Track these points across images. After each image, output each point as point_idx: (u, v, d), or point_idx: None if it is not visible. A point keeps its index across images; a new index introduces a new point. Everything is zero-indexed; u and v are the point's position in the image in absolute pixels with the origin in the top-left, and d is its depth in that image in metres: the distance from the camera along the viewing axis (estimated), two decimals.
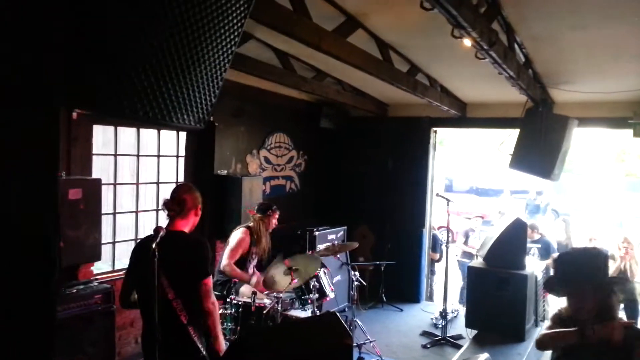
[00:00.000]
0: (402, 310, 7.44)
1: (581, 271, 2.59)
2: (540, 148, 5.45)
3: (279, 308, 4.48)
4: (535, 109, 5.83)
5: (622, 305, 6.43)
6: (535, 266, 5.80)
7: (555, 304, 7.54)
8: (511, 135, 6.06)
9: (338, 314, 2.89)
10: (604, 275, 2.66)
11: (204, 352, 2.96)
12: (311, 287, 4.75)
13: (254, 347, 2.37)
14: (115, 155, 5.44)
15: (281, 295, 4.61)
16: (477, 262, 5.80)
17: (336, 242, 6.75)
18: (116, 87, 1.41)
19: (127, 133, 5.61)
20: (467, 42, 3.68)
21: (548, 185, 17.37)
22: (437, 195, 7.19)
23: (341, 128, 8.00)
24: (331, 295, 5.05)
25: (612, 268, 6.48)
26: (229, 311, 4.42)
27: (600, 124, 6.70)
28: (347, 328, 2.75)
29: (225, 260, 4.89)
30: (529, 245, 7.05)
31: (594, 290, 2.56)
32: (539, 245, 7.21)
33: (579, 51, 4.69)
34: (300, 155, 7.88)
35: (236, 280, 4.82)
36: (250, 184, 6.26)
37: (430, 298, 8.26)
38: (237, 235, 5.01)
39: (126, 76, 1.41)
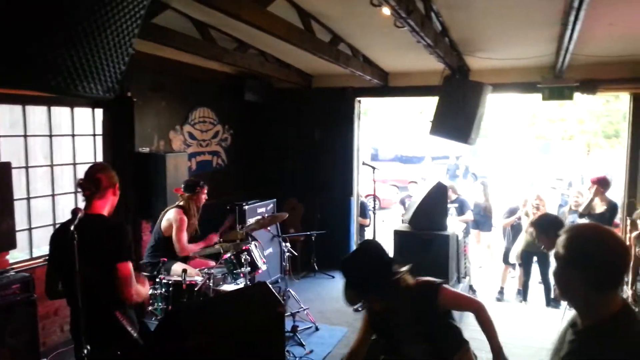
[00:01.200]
0: (334, 277, 7.62)
1: (364, 275, 2.59)
2: (457, 114, 5.68)
3: (211, 284, 4.44)
4: (453, 76, 6.05)
5: (535, 259, 6.97)
6: (455, 226, 6.09)
7: (475, 260, 8.08)
8: (431, 102, 6.27)
9: (270, 284, 2.91)
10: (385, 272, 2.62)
11: (136, 335, 2.88)
12: (242, 260, 4.75)
13: (184, 323, 2.34)
14: (25, 136, 5.08)
15: (212, 271, 4.58)
16: (403, 225, 6.01)
17: (266, 215, 6.75)
18: (20, 57, 1.31)
19: (36, 112, 5.25)
20: (386, 10, 3.73)
21: (466, 150, 18.24)
22: (364, 163, 7.33)
23: (266, 100, 7.91)
24: (263, 267, 5.07)
25: (527, 224, 6.96)
26: (159, 291, 4.34)
27: (513, 89, 7.06)
28: (278, 296, 2.78)
29: (183, 244, 4.88)
30: (448, 205, 7.42)
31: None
32: (456, 205, 7.60)
33: (491, 18, 4.87)
34: (226, 130, 7.74)
35: (165, 259, 4.71)
36: (175, 161, 6.08)
37: None
38: (176, 216, 4.93)
39: (29, 45, 1.31)
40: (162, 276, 4.43)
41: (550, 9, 4.26)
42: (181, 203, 5.03)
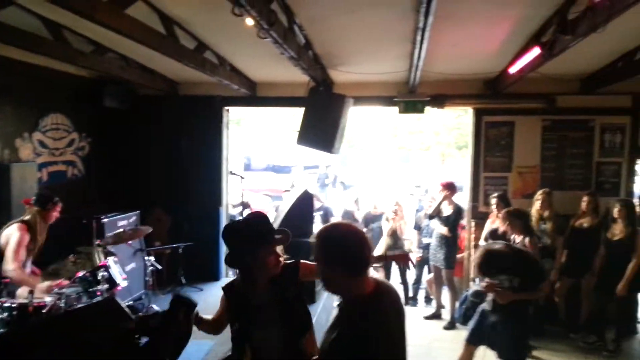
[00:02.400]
0: (202, 289, 7.44)
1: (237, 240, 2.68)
2: (321, 125, 5.90)
3: (63, 305, 4.09)
4: (317, 88, 6.27)
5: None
6: None
7: None
8: (298, 113, 6.43)
9: (133, 301, 2.75)
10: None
11: None
12: (99, 277, 4.44)
13: (19, 346, 2.12)
14: None
15: (64, 290, 4.21)
16: None
17: (128, 228, 6.39)
18: None
19: None
20: (249, 20, 3.77)
21: (335, 159, 18.93)
22: (231, 173, 7.28)
23: (129, 107, 7.51)
24: (123, 284, 4.79)
25: (387, 228, 7.42)
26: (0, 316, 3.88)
27: (373, 102, 7.49)
28: (128, 312, 2.64)
29: (10, 264, 4.30)
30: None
31: None
32: (321, 212, 7.88)
33: (350, 34, 5.12)
34: (83, 138, 7.21)
35: (8, 280, 4.24)
36: (22, 172, 5.54)
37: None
38: (15, 233, 4.42)
39: None
40: (2, 300, 3.97)
41: (401, 28, 4.60)
42: (27, 217, 4.57)
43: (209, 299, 7.16)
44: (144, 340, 2.48)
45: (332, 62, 6.18)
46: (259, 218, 2.79)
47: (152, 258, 6.14)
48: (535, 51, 4.71)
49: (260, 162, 20.30)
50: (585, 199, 6.09)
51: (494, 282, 4.39)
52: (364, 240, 2.09)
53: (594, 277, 5.95)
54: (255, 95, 7.63)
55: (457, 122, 20.70)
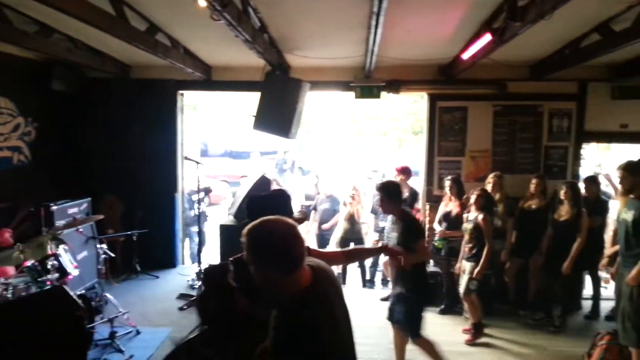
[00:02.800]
0: (158, 277, 7.33)
1: None
2: (278, 109, 5.86)
3: (10, 295, 3.95)
4: (273, 72, 6.22)
5: (352, 245, 7.49)
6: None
7: None
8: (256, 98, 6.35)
9: (85, 289, 2.68)
10: None
11: None
12: (49, 267, 4.30)
13: None
14: None
15: (11, 280, 4.07)
16: (229, 219, 6.01)
17: (79, 215, 6.21)
18: None
19: None
20: (202, 2, 3.69)
21: (293, 145, 18.89)
22: (186, 158, 7.16)
23: (78, 91, 7.25)
24: (74, 272, 4.66)
25: (345, 213, 7.48)
26: None
27: (330, 87, 7.49)
28: (76, 300, 2.58)
29: None
30: None
31: None
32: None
33: (306, 18, 5.09)
34: (29, 122, 6.90)
35: None
36: None
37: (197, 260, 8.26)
38: None
39: None
40: None
41: (356, 12, 4.61)
42: None
43: (164, 286, 7.09)
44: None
45: (288, 46, 6.13)
46: (283, 194, 2.83)
47: (104, 246, 5.98)
48: (487, 37, 4.81)
49: (218, 148, 20.04)
50: (533, 181, 6.31)
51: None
52: (294, 235, 1.94)
53: (542, 256, 6.19)
54: (210, 79, 7.50)
55: (414, 107, 20.96)
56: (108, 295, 5.49)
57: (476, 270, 5.50)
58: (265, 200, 2.76)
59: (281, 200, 2.70)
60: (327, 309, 2.01)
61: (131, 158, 7.60)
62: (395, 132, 22.98)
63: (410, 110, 21.65)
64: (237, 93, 8.28)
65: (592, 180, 6.50)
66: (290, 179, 15.83)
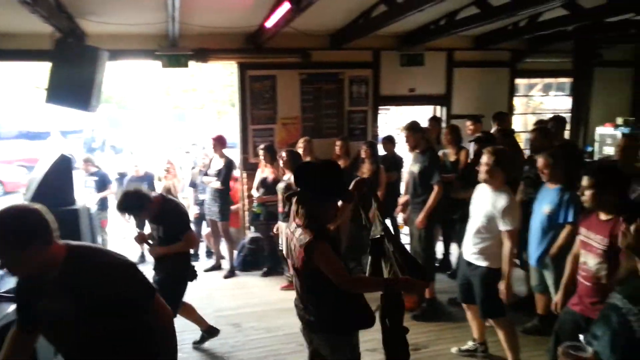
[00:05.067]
0: None
1: None
2: (74, 80, 5.36)
3: None
4: (65, 40, 5.64)
5: None
6: (87, 199, 5.85)
7: (115, 233, 7.96)
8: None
9: None
10: None
11: None
12: None
13: None
14: None
15: None
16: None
17: None
18: None
19: None
20: None
21: (104, 122, 17.52)
22: None
23: None
24: None
25: (160, 187, 7.24)
26: None
27: (133, 56, 7.05)
28: None
29: None
30: (86, 178, 7.06)
31: None
32: (96, 178, 7.30)
33: None
34: None
35: None
36: None
37: None
38: None
39: None
40: None
41: None
42: None
43: None
44: None
45: (79, 11, 5.60)
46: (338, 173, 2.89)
47: None
48: (286, 6, 4.97)
49: (11, 129, 17.65)
50: (338, 143, 6.81)
51: (143, 233, 4.62)
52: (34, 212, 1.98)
53: (350, 211, 6.75)
54: None
55: (231, 79, 20.88)
56: None
57: None
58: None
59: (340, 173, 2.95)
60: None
61: None
62: (213, 105, 22.69)
63: (227, 82, 21.52)
64: (24, 63, 7.34)
65: (389, 140, 7.26)
66: (101, 159, 14.70)
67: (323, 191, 2.72)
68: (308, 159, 6.63)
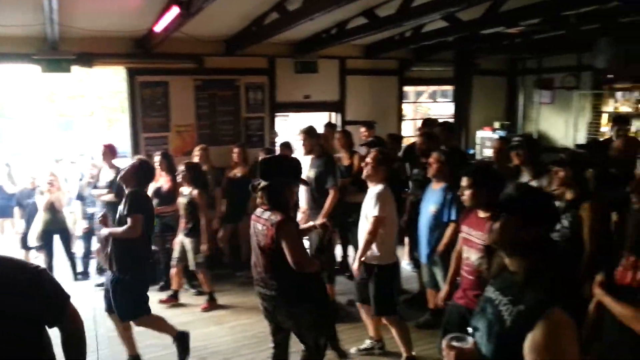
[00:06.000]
0: None
1: None
2: None
3: None
4: None
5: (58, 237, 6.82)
6: None
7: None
8: None
9: None
10: None
11: None
12: None
13: None
14: None
15: None
16: None
17: None
18: None
19: None
20: None
21: None
22: None
23: None
24: None
25: (43, 202, 6.71)
26: None
27: (9, 60, 6.47)
28: None
29: None
30: None
31: None
32: None
33: None
34: None
35: None
36: None
37: None
38: None
39: None
40: None
41: None
42: None
43: None
44: None
45: None
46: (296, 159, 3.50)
47: None
48: (175, 10, 4.84)
49: None
50: (235, 150, 6.74)
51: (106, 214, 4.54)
52: None
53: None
54: None
55: (122, 85, 19.93)
56: None
57: (202, 246, 5.67)
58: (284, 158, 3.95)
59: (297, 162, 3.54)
60: None
61: None
62: (103, 112, 21.45)
63: (118, 88, 20.49)
64: None
65: (286, 146, 7.31)
66: None
67: (287, 177, 3.25)
68: (205, 167, 6.49)
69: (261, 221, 3.19)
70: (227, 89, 7.47)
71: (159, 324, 4.50)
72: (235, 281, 6.73)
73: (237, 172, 6.74)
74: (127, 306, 4.20)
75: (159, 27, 5.56)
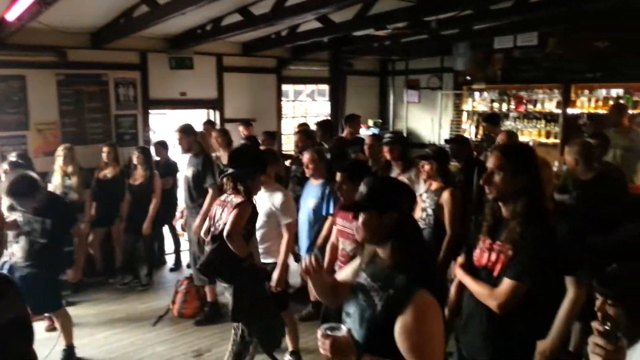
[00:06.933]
0: None
1: None
2: None
3: None
4: None
5: None
6: None
7: None
8: None
9: None
10: None
11: None
12: None
13: None
14: None
15: None
16: None
17: None
18: None
19: None
20: None
21: None
22: None
23: None
24: None
25: None
26: None
27: None
28: None
29: None
30: None
31: None
32: None
33: None
34: None
35: None
36: None
37: None
38: None
39: None
40: None
41: None
42: None
43: None
44: None
45: None
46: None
47: None
48: None
49: None
50: (105, 149, 6.33)
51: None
52: None
53: (123, 222, 6.37)
54: None
55: None
56: None
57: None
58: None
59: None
60: None
61: None
62: None
63: None
64: None
65: (161, 145, 7.05)
66: None
67: (253, 166, 3.60)
68: (70, 168, 6.00)
69: (224, 204, 3.53)
70: (94, 85, 6.97)
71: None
72: (109, 289, 6.35)
73: (108, 172, 6.34)
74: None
75: (11, 16, 5.04)
